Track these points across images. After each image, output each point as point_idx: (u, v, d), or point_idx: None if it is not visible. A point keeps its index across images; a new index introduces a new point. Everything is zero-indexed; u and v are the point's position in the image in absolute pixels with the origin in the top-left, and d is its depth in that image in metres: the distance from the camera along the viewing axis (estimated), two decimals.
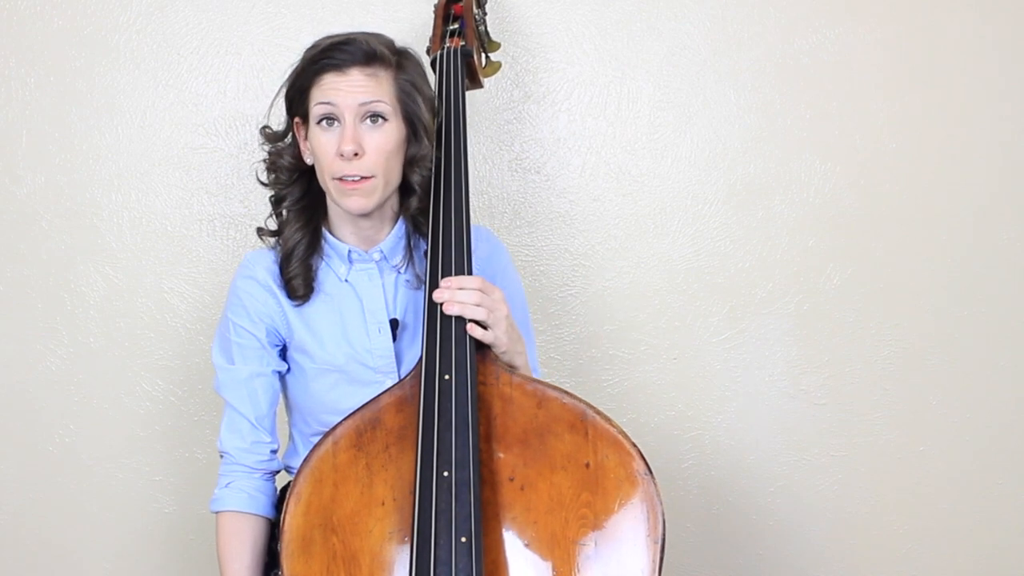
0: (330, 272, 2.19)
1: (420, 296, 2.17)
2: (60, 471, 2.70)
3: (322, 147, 2.10)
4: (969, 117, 2.76)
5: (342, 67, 2.09)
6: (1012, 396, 2.81)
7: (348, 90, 2.09)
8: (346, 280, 2.19)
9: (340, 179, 2.10)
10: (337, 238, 2.20)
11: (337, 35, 2.14)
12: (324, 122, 2.10)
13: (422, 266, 2.18)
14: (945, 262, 2.78)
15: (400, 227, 2.20)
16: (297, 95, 2.14)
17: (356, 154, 2.08)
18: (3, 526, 2.71)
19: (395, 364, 2.17)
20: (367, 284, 2.18)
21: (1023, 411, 2.82)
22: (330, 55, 2.10)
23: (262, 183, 2.24)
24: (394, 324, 2.17)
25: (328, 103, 2.09)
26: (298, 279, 2.16)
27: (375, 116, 2.10)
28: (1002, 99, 2.77)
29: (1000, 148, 2.77)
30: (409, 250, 2.20)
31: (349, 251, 2.19)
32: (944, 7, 2.75)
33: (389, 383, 2.13)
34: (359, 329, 2.17)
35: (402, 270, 2.20)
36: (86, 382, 2.69)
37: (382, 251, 2.19)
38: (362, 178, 2.09)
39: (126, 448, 2.70)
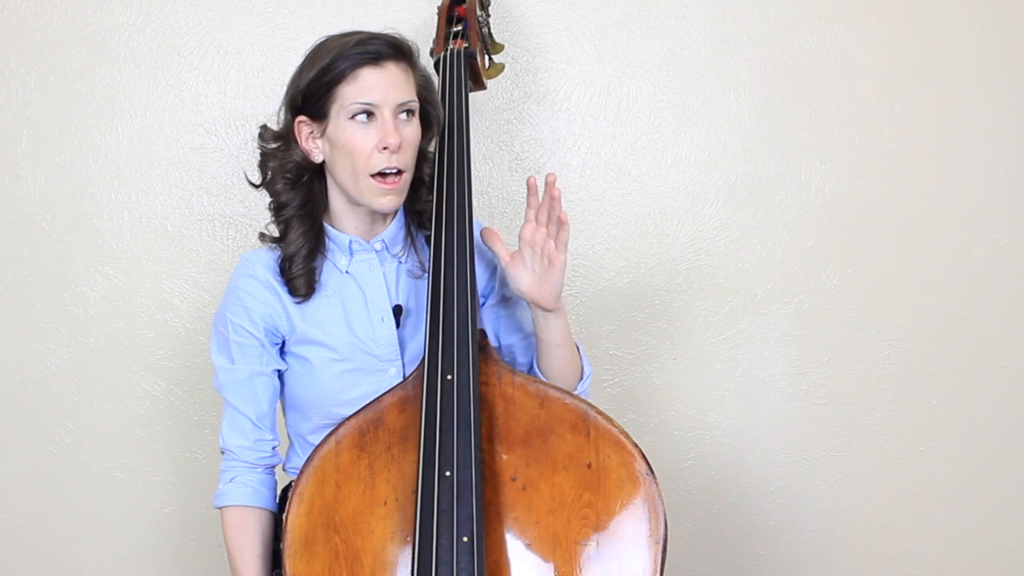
0: (332, 267, 2.19)
1: (422, 284, 2.18)
2: (60, 471, 2.70)
3: (358, 142, 2.08)
4: (969, 117, 2.76)
5: (379, 61, 2.07)
6: (1012, 396, 2.82)
7: (388, 86, 2.07)
8: (347, 271, 2.18)
9: (380, 175, 2.08)
10: (338, 230, 2.19)
11: (352, 32, 2.12)
12: (360, 116, 2.08)
13: (424, 254, 2.19)
14: (945, 262, 2.78)
15: (400, 218, 2.20)
16: (321, 90, 2.09)
17: (400, 147, 2.08)
18: (3, 526, 2.71)
19: (399, 352, 2.16)
20: (368, 274, 2.18)
21: (1023, 411, 2.82)
22: (363, 49, 2.07)
23: (254, 185, 2.21)
24: (398, 311, 2.17)
25: (367, 101, 2.07)
26: (300, 279, 2.15)
27: (408, 111, 2.11)
28: (1001, 99, 2.77)
29: (1000, 148, 2.78)
30: (410, 239, 2.21)
31: (350, 241, 2.18)
32: (944, 7, 2.75)
33: (393, 371, 2.14)
34: (362, 319, 2.17)
35: (403, 259, 2.20)
36: (86, 382, 2.69)
37: (383, 240, 2.19)
38: (399, 172, 2.09)
39: (126, 448, 2.70)
